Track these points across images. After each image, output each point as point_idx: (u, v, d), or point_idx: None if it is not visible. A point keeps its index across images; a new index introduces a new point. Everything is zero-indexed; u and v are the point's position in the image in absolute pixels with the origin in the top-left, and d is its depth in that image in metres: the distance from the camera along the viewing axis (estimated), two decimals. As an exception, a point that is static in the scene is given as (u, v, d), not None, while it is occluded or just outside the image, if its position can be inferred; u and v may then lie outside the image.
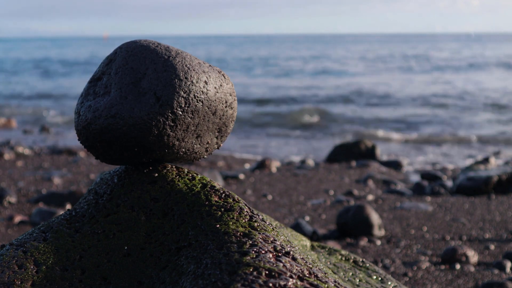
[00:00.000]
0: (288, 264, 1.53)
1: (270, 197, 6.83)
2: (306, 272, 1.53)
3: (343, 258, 2.21)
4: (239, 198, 1.82)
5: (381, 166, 9.30)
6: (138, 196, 1.82)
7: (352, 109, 17.31)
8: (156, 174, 1.86)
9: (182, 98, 1.75)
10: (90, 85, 1.85)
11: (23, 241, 1.77)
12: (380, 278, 2.11)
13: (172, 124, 1.75)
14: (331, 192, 7.10)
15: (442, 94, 20.41)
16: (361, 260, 2.23)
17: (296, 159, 10.32)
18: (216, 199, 1.78)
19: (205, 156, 1.93)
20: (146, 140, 1.75)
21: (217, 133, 1.90)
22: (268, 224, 1.75)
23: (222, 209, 1.74)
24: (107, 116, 1.73)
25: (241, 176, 8.02)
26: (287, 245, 1.67)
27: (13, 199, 6.40)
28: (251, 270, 1.46)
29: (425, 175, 8.30)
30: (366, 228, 5.10)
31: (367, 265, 2.20)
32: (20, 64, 40.55)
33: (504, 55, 42.87)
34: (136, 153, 1.79)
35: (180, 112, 1.75)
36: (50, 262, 1.69)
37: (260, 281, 1.42)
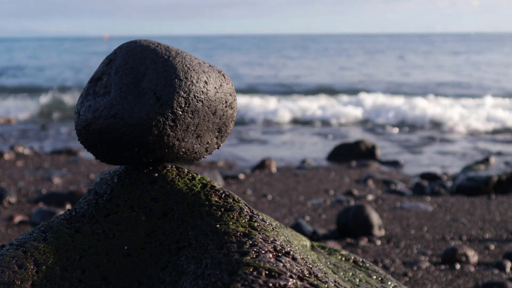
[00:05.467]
0: (288, 264, 1.53)
1: (270, 197, 6.83)
2: (306, 272, 1.53)
3: (343, 258, 2.21)
4: (239, 198, 1.82)
5: (381, 166, 9.31)
6: (138, 196, 1.82)
7: None
8: (156, 174, 1.86)
9: (182, 98, 1.75)
10: (90, 85, 1.85)
11: (23, 241, 1.77)
12: (380, 278, 2.11)
13: (172, 124, 1.75)
14: (331, 192, 7.10)
15: None
16: (361, 260, 2.23)
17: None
18: (216, 199, 1.78)
19: (205, 156, 1.93)
20: (146, 140, 1.75)
21: (217, 133, 1.90)
22: (268, 224, 1.74)
23: (222, 209, 1.74)
24: (107, 116, 1.73)
25: (241, 176, 8.02)
26: (287, 245, 1.67)
27: (13, 199, 6.41)
28: (251, 270, 1.46)
29: (425, 175, 8.31)
30: (366, 228, 5.10)
31: (367, 265, 2.20)
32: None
33: None
34: (136, 153, 1.79)
35: (180, 112, 1.75)
36: (50, 262, 1.69)
37: (260, 281, 1.42)
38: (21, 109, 17.65)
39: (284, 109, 16.47)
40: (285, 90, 22.24)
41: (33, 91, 21.16)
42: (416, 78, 26.28)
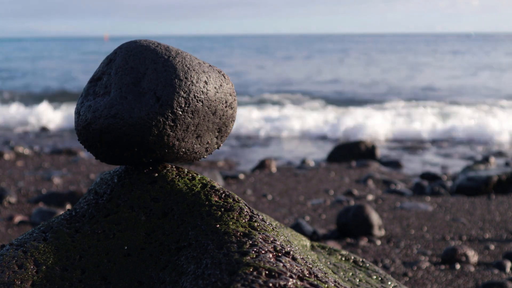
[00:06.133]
0: (288, 264, 1.53)
1: (270, 197, 6.83)
2: (306, 272, 1.53)
3: (343, 258, 2.21)
4: (239, 198, 1.82)
5: (381, 166, 9.30)
6: (138, 196, 1.82)
7: None
8: (156, 174, 1.86)
9: (182, 98, 1.75)
10: (90, 85, 1.85)
11: (23, 241, 1.77)
12: (380, 278, 2.11)
13: (172, 124, 1.75)
14: (331, 192, 7.10)
15: None
16: (361, 260, 2.23)
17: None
18: (216, 199, 1.78)
19: (205, 156, 1.93)
20: (146, 140, 1.75)
21: (217, 133, 1.90)
22: (268, 224, 1.74)
23: (222, 209, 1.73)
24: (107, 116, 1.73)
25: (241, 176, 8.02)
26: (287, 245, 1.67)
27: (13, 199, 6.41)
28: (251, 270, 1.46)
29: (425, 175, 8.30)
30: (366, 228, 5.10)
31: (367, 265, 2.20)
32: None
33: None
34: (136, 153, 1.79)
35: (180, 112, 1.75)
36: (50, 262, 1.69)
37: (260, 281, 1.42)
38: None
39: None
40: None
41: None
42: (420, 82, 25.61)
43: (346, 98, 20.02)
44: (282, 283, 1.42)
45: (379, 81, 25.17)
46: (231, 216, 1.71)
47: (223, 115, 1.87)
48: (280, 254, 1.57)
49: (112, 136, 1.74)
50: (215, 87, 1.82)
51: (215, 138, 1.91)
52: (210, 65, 1.86)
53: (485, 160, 9.28)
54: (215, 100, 1.83)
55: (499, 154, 10.79)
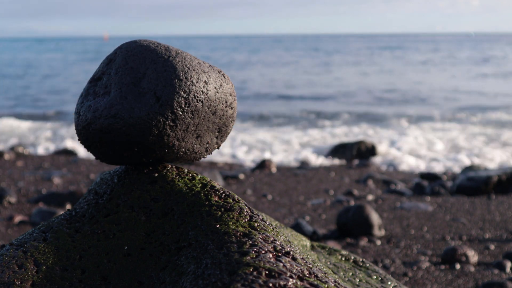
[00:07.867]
0: (288, 264, 1.53)
1: (270, 197, 6.83)
2: (306, 272, 1.53)
3: (343, 258, 2.21)
4: (239, 198, 1.82)
5: (381, 166, 9.30)
6: (138, 196, 1.82)
7: None
8: (156, 174, 1.86)
9: (182, 98, 1.75)
10: (90, 85, 1.85)
11: (23, 241, 1.77)
12: (380, 278, 2.11)
13: (172, 124, 1.75)
14: (331, 192, 7.10)
15: None
16: (361, 260, 2.23)
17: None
18: (216, 199, 1.78)
19: (205, 156, 1.93)
20: (146, 140, 1.75)
21: (217, 133, 1.90)
22: (268, 224, 1.74)
23: (222, 209, 1.74)
24: (107, 116, 1.73)
25: (241, 176, 8.02)
26: (287, 245, 1.67)
27: (13, 199, 6.41)
28: (251, 270, 1.46)
29: (425, 175, 8.31)
30: (366, 228, 5.10)
31: (367, 265, 2.20)
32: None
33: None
34: (136, 153, 1.79)
35: (180, 112, 1.75)
36: (50, 262, 1.69)
37: (260, 281, 1.42)
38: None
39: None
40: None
41: None
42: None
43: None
44: (282, 283, 1.42)
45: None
46: (231, 216, 1.71)
47: (223, 115, 1.87)
48: (280, 254, 1.57)
49: (112, 136, 1.74)
50: (215, 87, 1.83)
51: (215, 138, 1.91)
52: (210, 65, 1.86)
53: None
54: (215, 100, 1.83)
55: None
